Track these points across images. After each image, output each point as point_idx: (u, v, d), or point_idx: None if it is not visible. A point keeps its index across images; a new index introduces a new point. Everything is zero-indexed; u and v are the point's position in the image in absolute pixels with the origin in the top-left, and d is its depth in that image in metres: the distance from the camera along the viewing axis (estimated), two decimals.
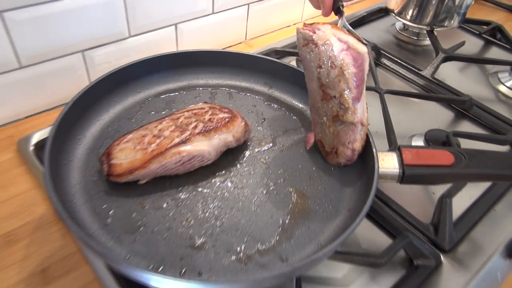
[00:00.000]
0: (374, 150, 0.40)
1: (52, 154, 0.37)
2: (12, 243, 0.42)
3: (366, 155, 0.41)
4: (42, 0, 0.48)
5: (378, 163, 0.39)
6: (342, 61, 0.38)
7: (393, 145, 0.50)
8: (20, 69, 0.51)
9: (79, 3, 0.51)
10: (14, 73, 0.51)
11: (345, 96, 0.38)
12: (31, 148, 0.49)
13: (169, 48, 0.64)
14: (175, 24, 0.63)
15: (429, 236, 0.43)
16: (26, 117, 0.55)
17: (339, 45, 0.38)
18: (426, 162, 0.39)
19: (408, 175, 0.39)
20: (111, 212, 0.38)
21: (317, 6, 0.49)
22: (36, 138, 0.50)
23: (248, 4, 0.69)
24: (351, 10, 0.85)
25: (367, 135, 0.41)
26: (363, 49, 0.38)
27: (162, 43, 0.63)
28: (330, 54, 0.38)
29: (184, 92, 0.50)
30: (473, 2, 0.92)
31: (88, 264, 0.39)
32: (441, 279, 0.40)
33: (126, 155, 0.39)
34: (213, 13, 0.66)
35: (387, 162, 0.39)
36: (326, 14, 0.48)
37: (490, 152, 0.39)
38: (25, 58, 0.51)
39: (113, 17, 0.55)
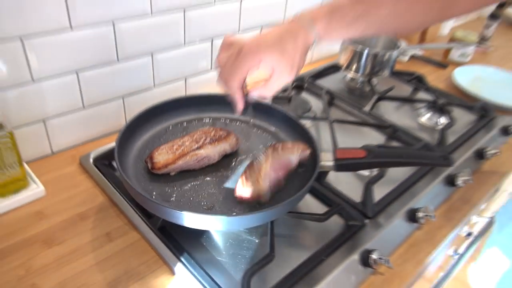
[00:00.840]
0: (318, 151, 0.64)
1: (118, 157, 0.60)
2: (84, 219, 0.63)
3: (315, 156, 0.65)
4: (108, 60, 0.74)
5: (320, 157, 0.63)
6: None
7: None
8: (83, 109, 0.76)
9: (130, 65, 0.77)
10: (78, 112, 0.75)
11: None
12: (91, 161, 0.72)
13: (179, 93, 0.90)
14: (185, 78, 0.89)
15: (359, 208, 0.66)
16: (83, 143, 0.79)
17: None
18: (349, 156, 0.63)
19: (338, 165, 0.62)
20: (154, 192, 0.60)
21: (226, 88, 0.55)
22: (93, 154, 0.73)
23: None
24: (312, 66, 1.13)
25: (314, 145, 0.65)
26: None
27: (175, 91, 0.88)
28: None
29: (196, 122, 0.75)
30: (406, 59, 1.21)
31: (136, 230, 0.61)
32: (364, 234, 0.63)
33: (162, 156, 0.62)
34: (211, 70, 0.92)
35: (326, 157, 0.63)
36: (239, 112, 0.55)
37: (388, 147, 0.64)
38: (87, 101, 0.75)
39: (145, 76, 0.81)
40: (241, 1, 0.88)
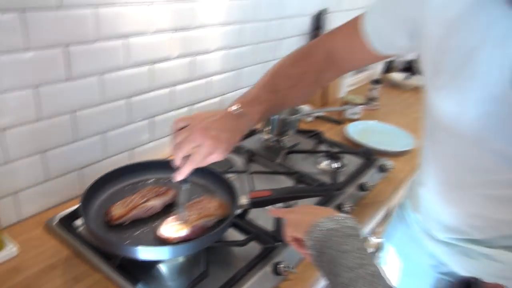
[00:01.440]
0: (237, 196, 0.86)
1: (83, 211, 0.78)
2: (54, 268, 0.79)
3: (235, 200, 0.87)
4: (65, 142, 0.93)
5: (238, 200, 0.85)
6: None
7: None
8: (46, 182, 0.93)
9: (85, 143, 0.96)
10: (42, 184, 0.92)
11: None
12: (56, 222, 0.88)
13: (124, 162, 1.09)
14: (129, 150, 1.09)
15: (271, 234, 0.88)
16: (48, 209, 0.95)
17: None
18: (259, 195, 0.86)
19: (252, 203, 0.85)
20: (112, 238, 0.78)
21: (179, 163, 0.72)
22: (58, 217, 0.89)
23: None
24: None
25: (234, 191, 0.87)
26: None
27: (121, 161, 1.08)
28: None
29: (142, 182, 0.95)
30: (311, 119, 1.51)
31: (98, 271, 0.78)
32: (276, 252, 0.84)
33: (117, 210, 0.81)
34: None
35: (243, 198, 0.86)
36: (177, 179, 0.72)
37: (289, 187, 0.88)
38: (50, 175, 0.93)
39: (97, 150, 1.01)
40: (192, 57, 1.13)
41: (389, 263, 1.04)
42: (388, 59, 2.16)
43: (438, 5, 0.69)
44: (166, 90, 1.12)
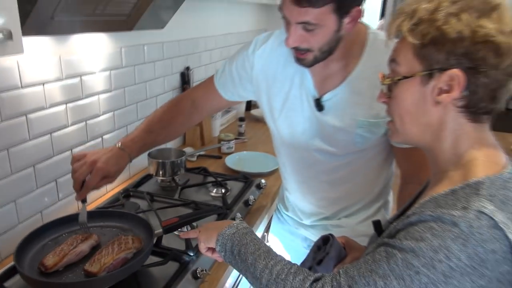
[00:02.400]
0: (152, 228, 1.06)
1: (18, 264, 0.89)
2: None
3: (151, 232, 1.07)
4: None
5: (152, 230, 1.05)
6: None
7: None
8: None
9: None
10: None
11: None
12: None
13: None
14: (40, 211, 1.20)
15: (185, 252, 1.10)
16: None
17: None
18: (169, 223, 1.07)
19: (164, 230, 1.06)
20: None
21: (78, 188, 0.99)
22: None
23: None
24: (132, 179, 1.57)
25: (148, 225, 1.08)
26: None
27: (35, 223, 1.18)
28: None
29: (63, 235, 1.08)
30: (195, 158, 1.77)
31: None
32: (192, 263, 1.06)
33: (51, 260, 0.94)
34: None
35: (157, 228, 1.06)
36: (78, 199, 1.00)
37: (190, 213, 1.12)
38: None
39: (9, 218, 1.10)
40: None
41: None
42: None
43: (259, 69, 1.11)
44: (67, 153, 1.27)
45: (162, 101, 1.78)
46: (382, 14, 4.72)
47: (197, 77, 2.07)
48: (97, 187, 0.99)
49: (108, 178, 1.00)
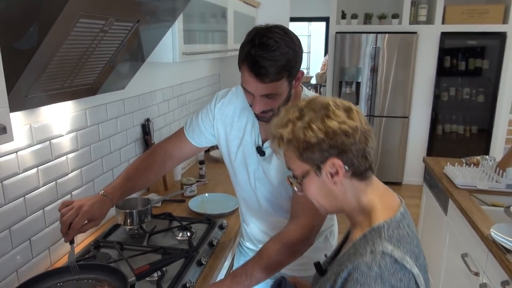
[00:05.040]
0: (125, 275, 1.17)
1: None
2: None
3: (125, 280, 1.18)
4: None
5: (126, 279, 1.16)
6: None
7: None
8: None
9: None
10: None
11: None
12: None
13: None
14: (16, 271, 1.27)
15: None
16: None
17: None
18: (141, 271, 1.19)
19: (137, 277, 1.17)
20: None
21: (65, 232, 1.12)
22: None
23: None
24: (102, 229, 1.65)
25: (122, 275, 1.18)
26: None
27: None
28: None
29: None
30: (160, 204, 1.88)
31: None
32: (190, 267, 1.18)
33: None
34: None
35: (131, 276, 1.17)
36: (66, 241, 1.12)
37: (159, 259, 1.24)
38: None
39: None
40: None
41: None
42: None
43: (219, 119, 1.35)
44: (39, 212, 1.36)
45: (126, 153, 1.91)
46: (326, 52, 5.16)
47: (157, 126, 2.22)
48: (83, 230, 1.13)
49: (93, 221, 1.14)
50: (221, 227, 1.68)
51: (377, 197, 0.85)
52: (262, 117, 1.18)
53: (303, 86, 1.29)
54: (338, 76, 4.56)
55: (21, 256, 1.30)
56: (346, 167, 0.81)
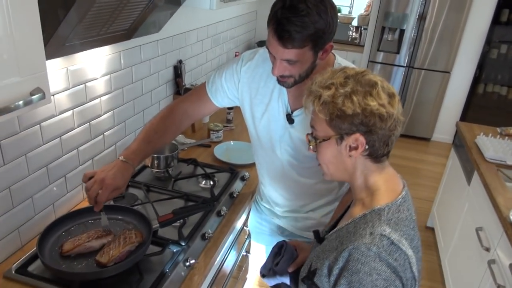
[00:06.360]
0: (150, 222, 1.27)
1: (39, 249, 1.10)
2: None
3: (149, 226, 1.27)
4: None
5: (151, 226, 1.26)
6: None
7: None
8: None
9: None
10: None
11: None
12: (13, 271, 1.16)
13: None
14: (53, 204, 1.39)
15: (177, 241, 1.31)
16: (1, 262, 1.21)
17: None
18: (165, 219, 1.27)
19: (161, 224, 1.26)
20: (64, 265, 1.12)
21: (93, 203, 1.17)
22: (14, 267, 1.17)
23: None
24: None
25: (147, 220, 1.28)
26: None
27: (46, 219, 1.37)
28: None
29: (80, 224, 1.28)
30: (186, 147, 1.95)
31: None
32: (184, 252, 1.28)
33: (66, 246, 1.15)
34: None
35: (154, 223, 1.27)
36: (96, 210, 1.17)
37: (183, 208, 1.32)
38: None
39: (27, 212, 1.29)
40: None
41: (254, 240, 1.61)
42: None
43: (244, 82, 1.31)
44: (74, 152, 1.44)
45: (157, 95, 1.94)
46: None
47: (188, 68, 2.21)
48: (109, 198, 1.18)
49: (117, 190, 1.18)
50: (243, 179, 1.74)
51: (383, 179, 0.88)
52: (281, 82, 1.16)
53: (336, 55, 1.23)
54: (382, 20, 4.29)
55: (58, 190, 1.41)
56: (367, 146, 0.83)
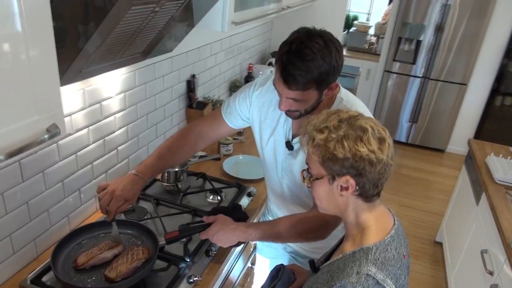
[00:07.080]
0: (157, 237, 1.33)
1: (53, 262, 1.17)
2: None
3: (156, 241, 1.34)
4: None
5: (158, 240, 1.32)
6: None
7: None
8: (12, 255, 1.27)
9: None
10: (11, 257, 1.27)
11: None
12: (28, 282, 1.24)
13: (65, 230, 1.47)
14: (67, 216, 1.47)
15: (182, 258, 1.37)
16: (18, 272, 1.29)
17: None
18: (171, 236, 1.34)
19: (167, 242, 1.33)
20: (74, 278, 1.20)
21: (105, 212, 1.29)
22: (29, 278, 1.25)
23: None
24: None
25: (154, 236, 1.34)
26: None
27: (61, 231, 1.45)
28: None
29: (91, 238, 1.35)
30: (198, 159, 2.01)
31: None
32: (189, 269, 1.34)
33: (81, 259, 1.22)
34: None
35: (161, 240, 1.33)
36: (109, 219, 1.27)
37: (187, 227, 1.38)
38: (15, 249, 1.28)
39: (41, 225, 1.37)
40: None
41: (260, 253, 1.67)
42: None
43: (255, 106, 1.39)
44: (89, 167, 1.52)
45: (170, 109, 2.01)
46: (390, 1, 4.80)
47: (202, 81, 2.28)
48: (119, 210, 1.27)
49: (127, 201, 1.28)
50: (250, 195, 1.80)
51: (374, 217, 0.93)
52: (288, 114, 1.23)
53: (340, 86, 1.27)
54: (399, 31, 4.28)
55: (73, 201, 1.49)
56: (357, 187, 0.88)
